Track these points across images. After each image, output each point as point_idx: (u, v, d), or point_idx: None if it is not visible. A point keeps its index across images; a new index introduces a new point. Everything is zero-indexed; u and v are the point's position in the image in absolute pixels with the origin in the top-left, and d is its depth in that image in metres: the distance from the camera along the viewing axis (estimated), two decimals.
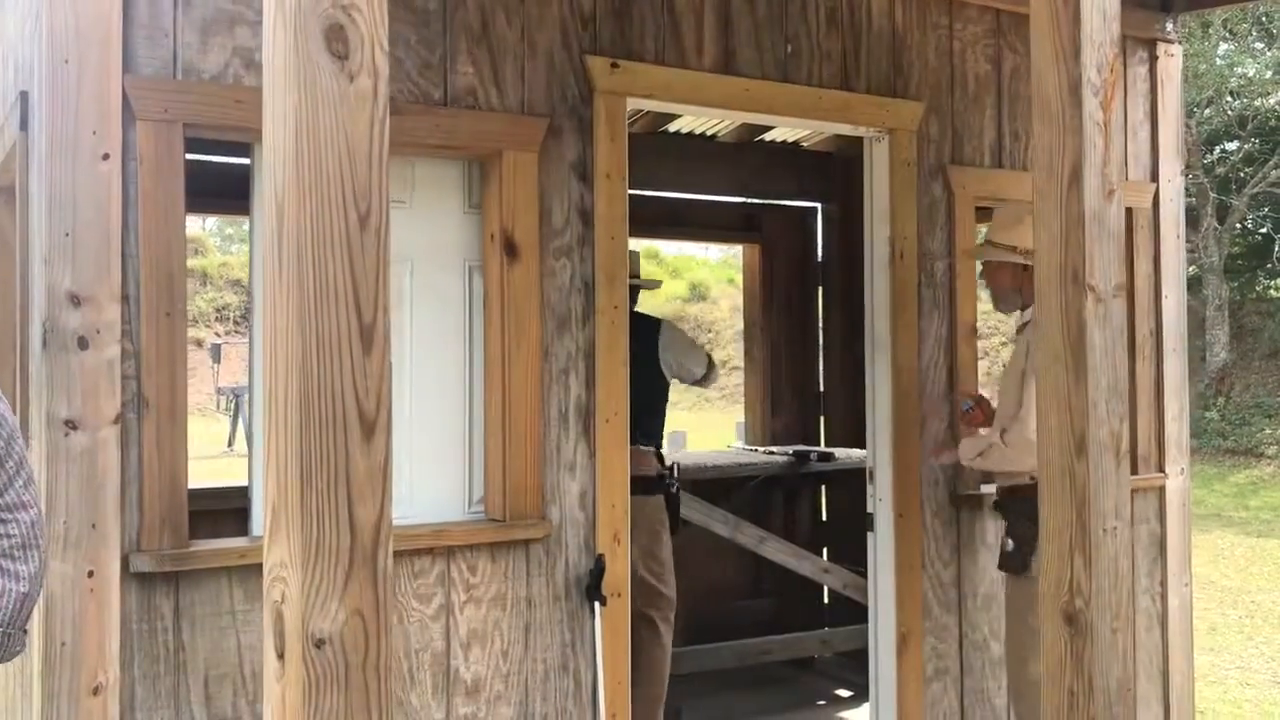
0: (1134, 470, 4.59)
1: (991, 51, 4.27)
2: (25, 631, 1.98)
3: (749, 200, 6.27)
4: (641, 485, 3.82)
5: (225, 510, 3.78)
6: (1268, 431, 16.92)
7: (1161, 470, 4.65)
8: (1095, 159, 1.79)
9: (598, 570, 3.36)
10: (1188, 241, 19.38)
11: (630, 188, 5.89)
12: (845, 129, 3.97)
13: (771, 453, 5.72)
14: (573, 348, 3.41)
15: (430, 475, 3.32)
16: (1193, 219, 19.23)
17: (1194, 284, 21.04)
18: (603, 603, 3.36)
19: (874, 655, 4.04)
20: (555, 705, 3.35)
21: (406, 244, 3.29)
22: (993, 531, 4.21)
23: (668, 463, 4.39)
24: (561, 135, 3.39)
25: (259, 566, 2.86)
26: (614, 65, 3.45)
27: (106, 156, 2.75)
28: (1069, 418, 1.77)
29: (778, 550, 5.16)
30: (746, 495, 5.52)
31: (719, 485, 5.36)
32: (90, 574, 2.71)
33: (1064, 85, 1.80)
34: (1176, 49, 4.73)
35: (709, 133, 6.00)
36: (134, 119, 2.80)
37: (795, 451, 5.57)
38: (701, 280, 30.70)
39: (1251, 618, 8.06)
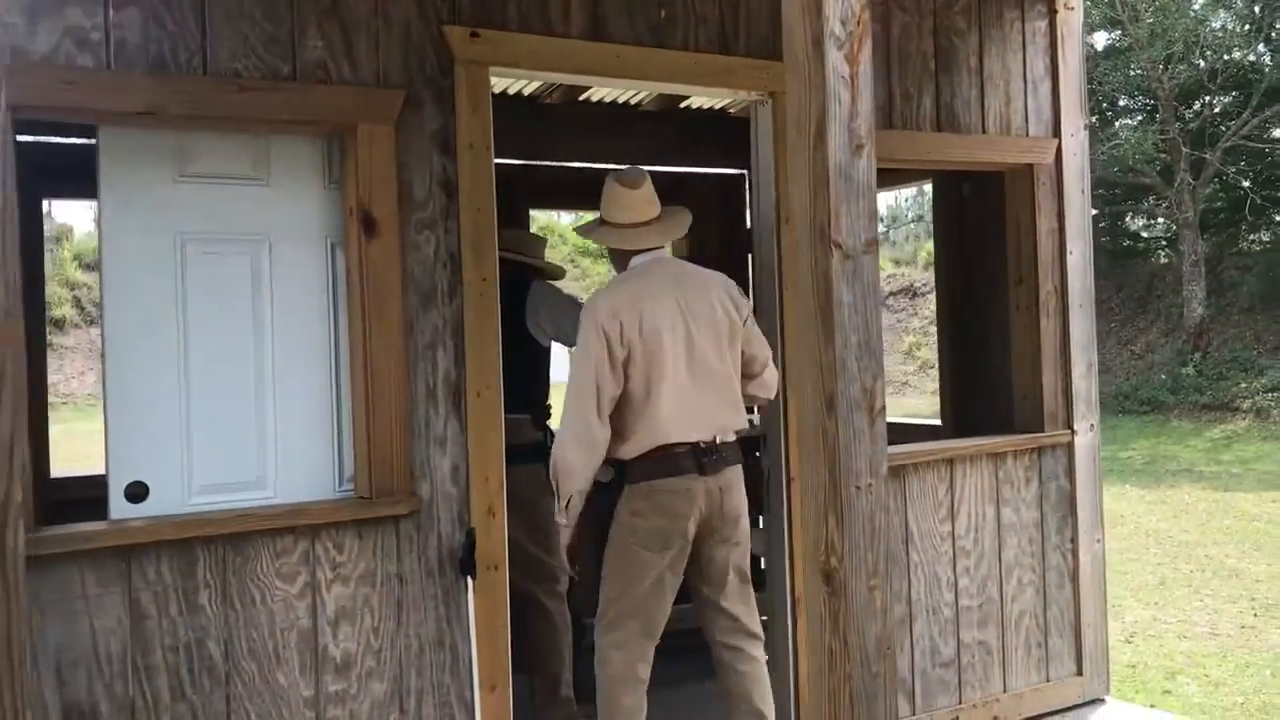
0: (1040, 427, 4.59)
1: (879, 11, 4.22)
2: None
3: (674, 169, 6.22)
4: (518, 454, 3.77)
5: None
6: (1243, 385, 16.93)
7: (1069, 427, 4.64)
8: (841, 113, 1.76)
9: (468, 544, 3.35)
10: (1161, 197, 19.34)
11: (549, 160, 5.90)
12: (725, 94, 3.94)
13: None
14: (440, 322, 3.38)
15: (297, 455, 3.30)
16: (1166, 175, 19.18)
17: (1170, 241, 21.00)
18: (474, 576, 3.35)
19: (772, 620, 4.04)
20: (431, 680, 3.35)
21: (263, 222, 3.26)
22: (892, 491, 4.20)
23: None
24: (421, 107, 3.35)
25: (112, 551, 2.86)
26: (474, 35, 3.41)
27: None
28: (819, 375, 1.75)
29: None
30: None
31: None
32: None
33: (809, 38, 1.77)
34: (1077, 1, 4.68)
35: (631, 102, 5.96)
36: None
37: None
38: None
39: (1202, 572, 8.07)
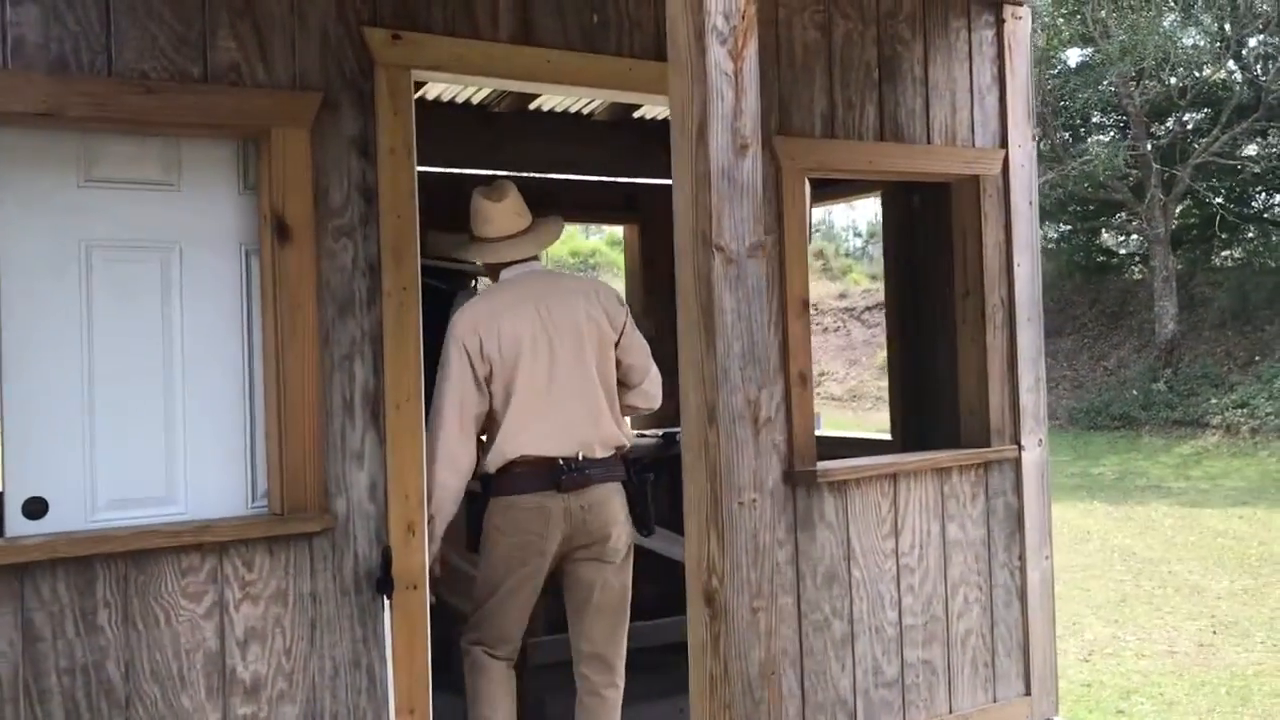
0: (987, 443, 4.51)
1: (820, 18, 4.16)
2: None
3: (628, 180, 6.15)
4: None
5: None
6: (1214, 401, 16.94)
7: (1017, 443, 4.57)
8: (724, 111, 1.67)
9: (384, 563, 3.25)
10: (1133, 213, 19.39)
11: (498, 169, 5.80)
12: (660, 101, 3.85)
13: (644, 435, 5.60)
14: (358, 332, 3.28)
15: (209, 470, 3.19)
16: (1137, 191, 19.23)
17: (1143, 257, 21.06)
18: (390, 596, 3.24)
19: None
20: (347, 703, 3.24)
21: (173, 228, 3.16)
22: (832, 509, 4.12)
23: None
24: (339, 110, 3.26)
25: (2, 569, 2.74)
26: (396, 37, 3.32)
27: None
28: (701, 385, 1.66)
29: (657, 540, 5.04)
30: None
31: None
32: None
33: (691, 32, 1.68)
34: (1025, 11, 4.63)
35: (584, 111, 5.88)
36: None
37: (665, 433, 5.47)
38: (588, 249, 29.97)
39: (1164, 588, 8.02)
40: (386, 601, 3.25)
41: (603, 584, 3.52)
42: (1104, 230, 22.06)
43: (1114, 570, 8.72)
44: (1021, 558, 4.58)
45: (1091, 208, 21.27)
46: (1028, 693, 4.58)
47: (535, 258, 3.66)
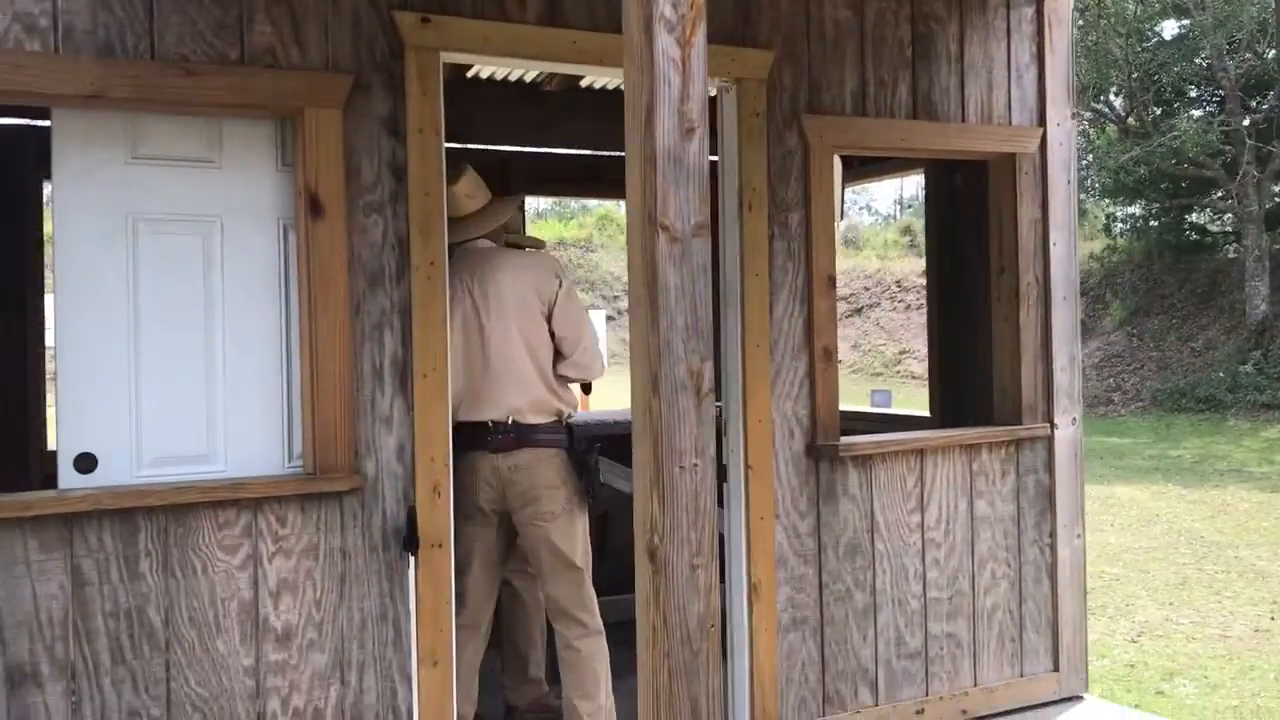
0: (1019, 420, 4.53)
1: None
2: None
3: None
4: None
5: None
6: None
7: (1049, 421, 4.58)
8: (671, 96, 1.77)
9: (409, 522, 3.42)
10: (1226, 191, 18.85)
11: (546, 145, 5.94)
12: None
13: None
14: (387, 304, 3.44)
15: (247, 431, 3.39)
16: (1231, 168, 18.69)
17: (1235, 236, 20.46)
18: (415, 553, 3.41)
19: (729, 606, 4.05)
20: (373, 653, 3.42)
21: (215, 203, 3.35)
22: (856, 482, 4.19)
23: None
24: (370, 91, 3.41)
25: (53, 519, 2.97)
26: (425, 20, 3.46)
27: None
28: (646, 357, 1.77)
29: None
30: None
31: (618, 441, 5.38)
32: None
33: (641, 20, 1.78)
34: None
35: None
36: None
37: None
38: None
39: (1227, 573, 7.90)
40: (412, 558, 3.43)
41: (546, 544, 3.78)
42: (1195, 209, 21.47)
43: (1177, 553, 8.61)
44: (1052, 535, 4.60)
45: (1183, 185, 20.72)
46: (1055, 669, 4.61)
47: (491, 235, 3.94)
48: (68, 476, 3.18)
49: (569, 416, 3.85)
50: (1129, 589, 7.48)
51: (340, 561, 3.38)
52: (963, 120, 4.42)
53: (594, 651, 3.79)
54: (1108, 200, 22.68)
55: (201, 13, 3.20)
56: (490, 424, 3.72)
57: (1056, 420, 4.60)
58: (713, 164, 4.14)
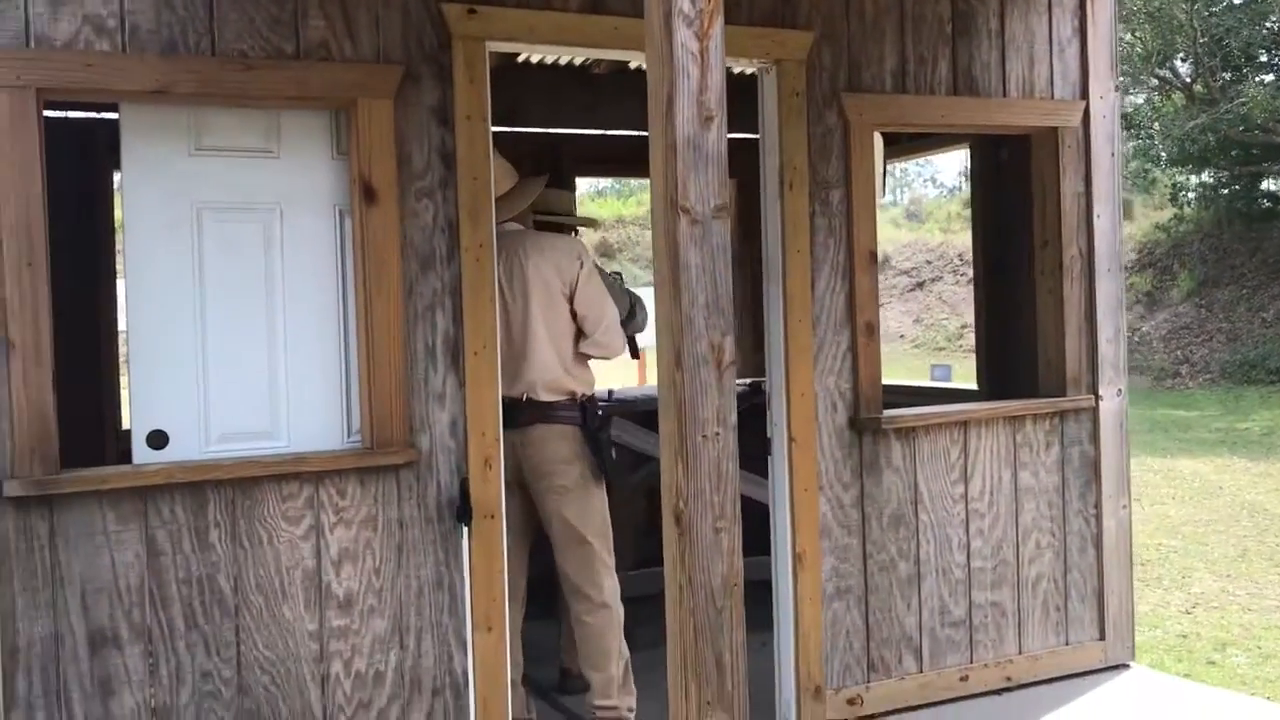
0: (1063, 392, 4.58)
1: None
2: None
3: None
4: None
5: None
6: None
7: (1094, 392, 4.62)
8: (690, 87, 1.87)
9: (462, 493, 3.57)
10: None
11: (596, 128, 6.04)
12: (728, 62, 4.01)
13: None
14: (438, 285, 3.59)
15: (308, 408, 3.56)
16: None
17: None
18: (468, 523, 3.57)
19: (775, 575, 4.16)
20: (430, 619, 3.59)
21: (274, 191, 3.51)
22: (899, 454, 4.27)
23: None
24: (420, 81, 3.55)
25: (129, 491, 3.16)
26: (471, 11, 3.58)
27: None
28: (670, 333, 1.88)
29: None
30: None
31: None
32: None
33: (661, 15, 1.89)
34: None
35: None
36: None
37: (752, 381, 5.66)
38: None
39: None
40: (466, 529, 3.58)
41: (558, 518, 3.97)
42: (1267, 176, 20.99)
43: (1238, 525, 8.54)
44: (1097, 505, 4.65)
45: (1253, 152, 20.27)
46: (1101, 638, 4.66)
47: (519, 217, 4.11)
48: (141, 452, 3.37)
49: (584, 396, 4.00)
50: (1186, 561, 7.45)
51: (398, 531, 3.55)
52: (1004, 95, 4.46)
53: (603, 625, 3.94)
54: (1175, 169, 22.25)
55: (258, 9, 3.36)
56: (510, 400, 3.86)
57: (1101, 392, 4.63)
58: (755, 143, 4.25)
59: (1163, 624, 6.07)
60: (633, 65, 5.75)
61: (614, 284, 4.49)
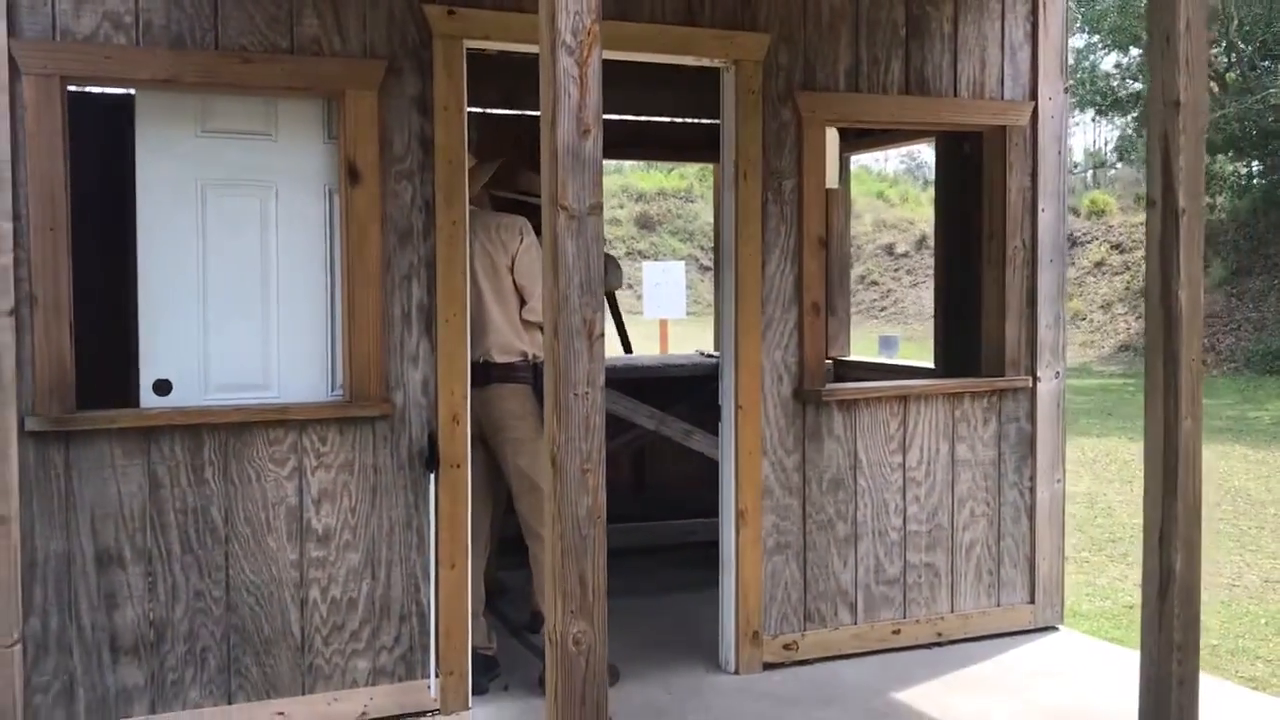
0: (1001, 373, 4.93)
1: None
2: None
3: (710, 121, 6.68)
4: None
5: None
6: None
7: (1032, 374, 4.97)
8: (570, 105, 2.26)
9: (431, 445, 4.01)
10: None
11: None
12: (690, 61, 4.40)
13: (708, 355, 6.23)
14: (415, 258, 4.02)
15: (297, 364, 4.01)
16: None
17: None
18: (436, 471, 4.01)
19: (722, 530, 4.57)
20: (399, 554, 4.04)
21: (271, 170, 3.95)
22: (840, 424, 4.66)
23: None
24: (402, 74, 3.96)
25: (135, 430, 3.62)
26: (450, 12, 3.99)
27: None
28: (551, 309, 2.28)
29: (702, 443, 5.67)
30: (679, 394, 6.03)
31: (649, 384, 5.92)
32: None
33: (549, 44, 2.28)
34: None
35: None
36: (19, 74, 3.52)
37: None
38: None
39: (1261, 529, 8.11)
40: (433, 476, 4.02)
41: (513, 466, 4.44)
42: None
43: (1218, 510, 8.80)
44: (1032, 479, 5.01)
45: None
46: (1031, 601, 5.03)
47: (477, 199, 4.51)
48: (147, 398, 3.84)
49: (535, 356, 4.45)
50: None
51: (372, 476, 3.99)
52: (955, 95, 4.80)
53: None
54: (1208, 158, 22.18)
55: (258, 8, 3.78)
56: (472, 363, 4.25)
57: (1040, 374, 4.98)
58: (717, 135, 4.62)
59: (1115, 595, 6.41)
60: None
61: None
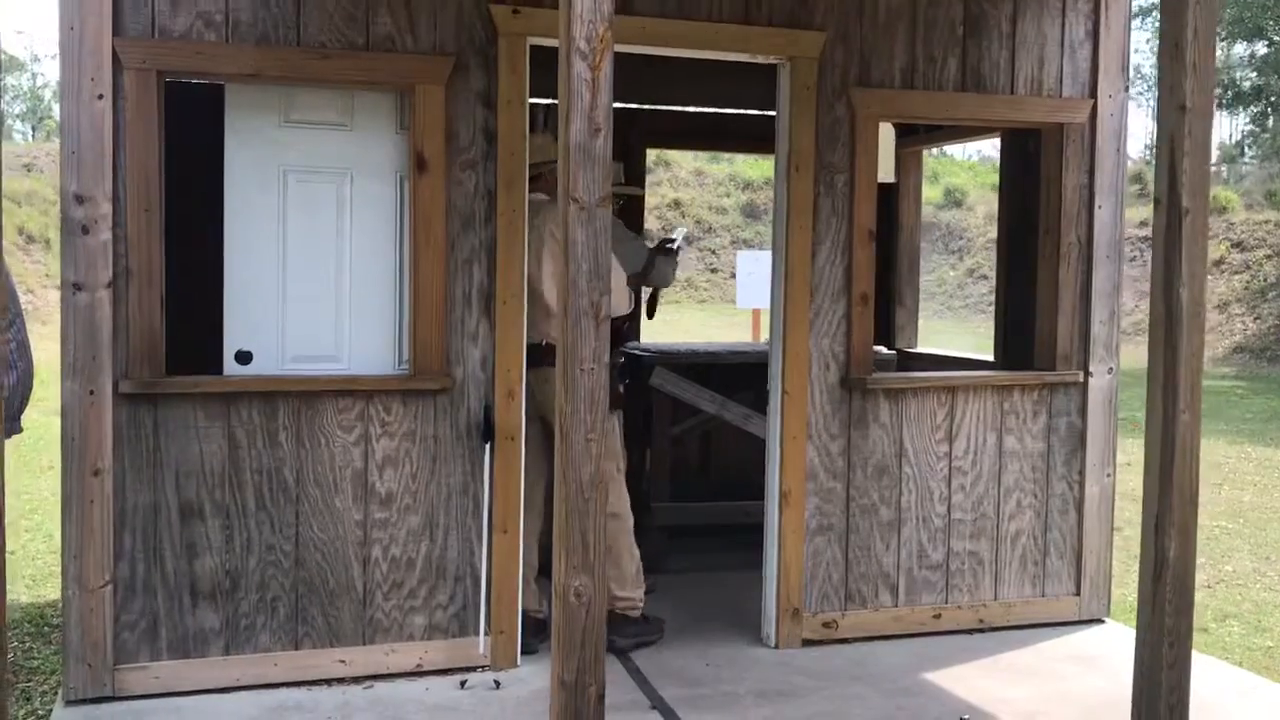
0: (1053, 367, 5.01)
1: None
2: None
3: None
4: None
5: None
6: None
7: (1084, 369, 5.03)
8: (583, 106, 2.46)
9: (486, 417, 4.28)
10: None
11: (661, 104, 6.62)
12: (745, 58, 4.58)
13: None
14: (476, 243, 4.29)
15: (367, 339, 4.32)
16: None
17: None
18: (491, 442, 4.28)
19: (767, 511, 4.76)
20: (456, 519, 4.32)
21: (347, 159, 4.26)
22: (886, 412, 4.80)
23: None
24: (469, 70, 4.23)
25: (216, 396, 3.97)
26: (515, 11, 4.24)
27: (100, 97, 3.86)
28: (564, 292, 2.50)
29: (760, 427, 5.84)
30: (745, 380, 6.19)
31: (717, 371, 6.12)
32: (91, 392, 3.90)
33: (565, 50, 2.49)
34: None
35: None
36: (121, 68, 3.88)
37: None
38: (959, 185, 30.66)
39: None
40: (488, 447, 4.30)
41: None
42: None
43: None
44: (1081, 473, 5.07)
45: None
46: (1077, 593, 5.10)
47: (547, 188, 4.65)
48: (230, 366, 4.19)
49: None
50: (1234, 542, 7.68)
51: (433, 445, 4.28)
52: (1011, 92, 4.88)
53: (614, 531, 4.58)
54: None
55: (336, 8, 4.08)
56: (532, 345, 4.46)
57: (1092, 369, 5.04)
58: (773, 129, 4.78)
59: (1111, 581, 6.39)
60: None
61: (631, 245, 5.07)
